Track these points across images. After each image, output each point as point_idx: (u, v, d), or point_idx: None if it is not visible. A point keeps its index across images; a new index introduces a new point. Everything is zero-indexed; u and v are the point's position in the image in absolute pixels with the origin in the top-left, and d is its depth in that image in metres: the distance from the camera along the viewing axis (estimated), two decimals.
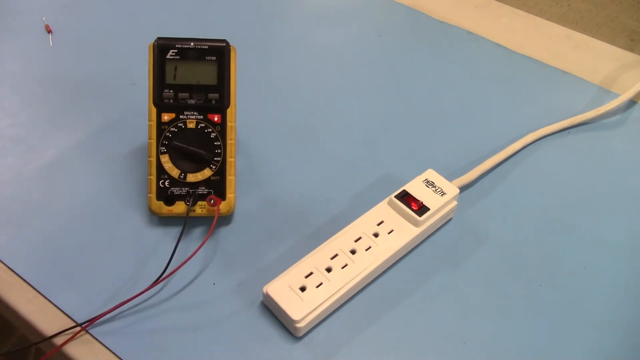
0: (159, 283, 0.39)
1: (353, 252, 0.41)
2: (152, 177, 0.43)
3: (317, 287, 0.39)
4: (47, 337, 0.38)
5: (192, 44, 0.43)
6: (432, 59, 0.62)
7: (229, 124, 0.43)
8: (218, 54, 0.43)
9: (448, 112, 0.56)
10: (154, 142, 0.43)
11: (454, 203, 0.45)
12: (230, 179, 0.44)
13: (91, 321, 0.37)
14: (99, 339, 0.38)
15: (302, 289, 0.39)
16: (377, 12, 0.69)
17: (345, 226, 0.43)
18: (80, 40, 0.60)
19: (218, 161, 0.43)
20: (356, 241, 0.42)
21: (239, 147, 0.50)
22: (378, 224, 0.43)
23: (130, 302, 0.39)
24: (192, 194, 0.43)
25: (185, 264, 0.40)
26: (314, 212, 0.46)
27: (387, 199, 0.45)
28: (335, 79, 0.59)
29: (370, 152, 0.52)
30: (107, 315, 0.38)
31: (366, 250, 0.42)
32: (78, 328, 0.38)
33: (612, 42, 0.66)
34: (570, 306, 0.42)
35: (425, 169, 0.47)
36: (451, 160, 0.51)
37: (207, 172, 0.43)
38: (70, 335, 0.37)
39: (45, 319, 0.39)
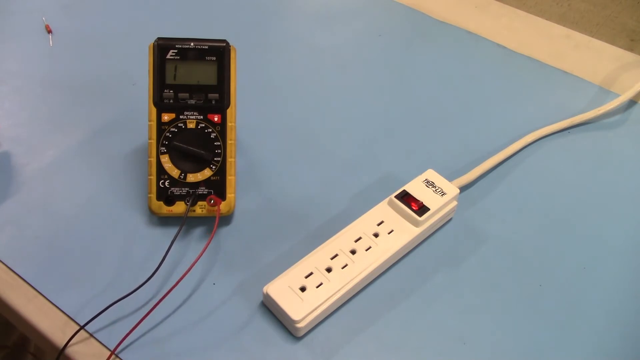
0: (167, 292, 0.39)
1: (353, 252, 0.41)
2: (152, 177, 0.43)
3: (317, 287, 0.39)
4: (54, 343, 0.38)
5: (192, 44, 0.43)
6: (432, 59, 0.62)
7: (229, 124, 0.43)
8: (218, 54, 0.43)
9: (448, 112, 0.56)
10: (154, 142, 0.43)
11: (454, 203, 0.45)
12: (230, 179, 0.44)
13: (119, 342, 0.37)
14: (99, 339, 0.38)
15: (302, 289, 0.39)
16: (377, 12, 0.69)
17: (345, 226, 0.43)
18: (80, 40, 0.60)
19: (218, 161, 0.43)
20: (356, 241, 0.42)
21: (239, 147, 0.50)
22: (378, 224, 0.43)
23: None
24: (192, 194, 0.43)
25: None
26: (314, 212, 0.46)
27: (387, 199, 0.45)
28: (335, 79, 0.59)
29: (370, 152, 0.52)
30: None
31: (366, 250, 0.42)
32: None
33: (612, 42, 0.66)
34: (570, 306, 0.42)
35: (425, 169, 0.47)
36: (451, 160, 0.51)
37: (207, 172, 0.43)
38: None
39: (45, 319, 0.39)
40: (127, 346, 0.37)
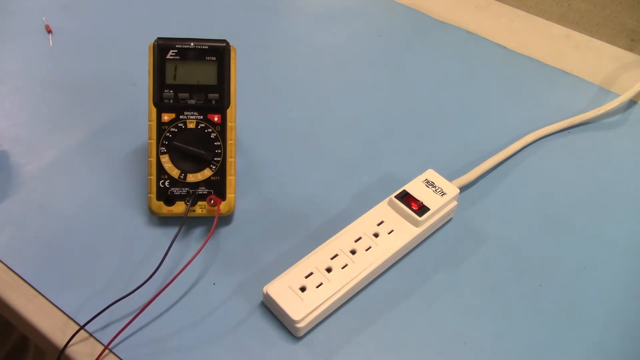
0: (163, 288, 0.39)
1: (353, 252, 0.41)
2: (152, 177, 0.43)
3: (317, 287, 0.39)
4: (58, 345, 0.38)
5: (192, 44, 0.43)
6: (432, 59, 0.62)
7: (229, 124, 0.43)
8: (218, 54, 0.43)
9: (448, 112, 0.56)
10: (154, 142, 0.43)
11: (454, 203, 0.45)
12: (230, 179, 0.44)
13: (113, 338, 0.37)
14: (99, 339, 0.38)
15: (302, 289, 0.39)
16: (377, 12, 0.69)
17: (345, 226, 0.43)
18: (80, 40, 0.60)
19: (218, 161, 0.43)
20: (356, 241, 0.42)
21: (239, 147, 0.50)
22: (378, 224, 0.43)
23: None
24: (192, 194, 0.43)
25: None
26: (314, 212, 0.46)
27: (387, 199, 0.45)
28: (335, 79, 0.59)
29: (370, 152, 0.52)
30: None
31: (366, 250, 0.42)
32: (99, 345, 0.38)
33: (612, 42, 0.66)
34: (570, 306, 0.42)
35: (425, 169, 0.47)
36: (451, 160, 0.51)
37: (207, 172, 0.43)
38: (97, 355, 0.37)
39: (45, 319, 0.39)
40: (126, 344, 0.37)
